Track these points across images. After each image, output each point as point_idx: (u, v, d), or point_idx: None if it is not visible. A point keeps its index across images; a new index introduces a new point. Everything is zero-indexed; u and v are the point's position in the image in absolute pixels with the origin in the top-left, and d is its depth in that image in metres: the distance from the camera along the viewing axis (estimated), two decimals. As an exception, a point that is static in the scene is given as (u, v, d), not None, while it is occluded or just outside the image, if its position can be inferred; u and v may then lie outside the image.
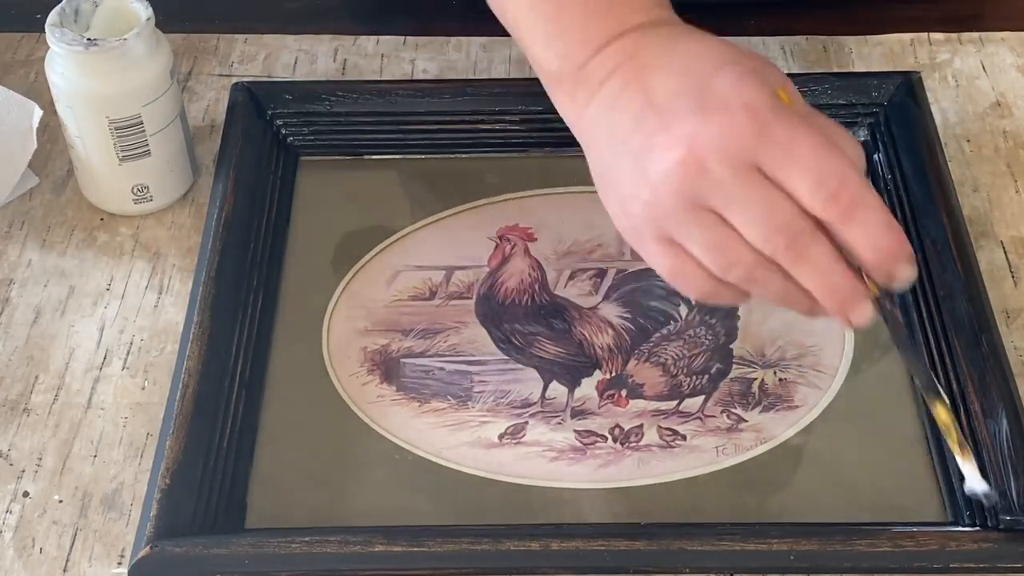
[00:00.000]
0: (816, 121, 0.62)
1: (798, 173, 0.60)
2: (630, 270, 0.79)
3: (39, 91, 0.87)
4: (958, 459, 0.65)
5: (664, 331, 0.76)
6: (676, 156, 0.61)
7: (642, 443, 0.71)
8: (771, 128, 0.60)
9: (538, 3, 0.68)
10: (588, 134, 0.67)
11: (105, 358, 0.76)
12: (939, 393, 0.65)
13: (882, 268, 0.61)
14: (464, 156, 0.85)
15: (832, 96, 0.85)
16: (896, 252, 0.61)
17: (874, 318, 0.63)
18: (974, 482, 0.65)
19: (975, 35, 0.94)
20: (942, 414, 0.65)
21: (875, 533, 0.65)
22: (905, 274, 0.62)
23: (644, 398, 0.73)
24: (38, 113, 0.82)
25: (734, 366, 0.74)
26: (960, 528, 0.67)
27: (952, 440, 0.65)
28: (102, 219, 0.83)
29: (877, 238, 0.60)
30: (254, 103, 0.85)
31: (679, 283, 0.64)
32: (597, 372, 0.74)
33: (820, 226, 0.61)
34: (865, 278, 0.62)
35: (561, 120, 0.84)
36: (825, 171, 0.60)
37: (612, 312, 0.77)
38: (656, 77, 0.63)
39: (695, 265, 0.62)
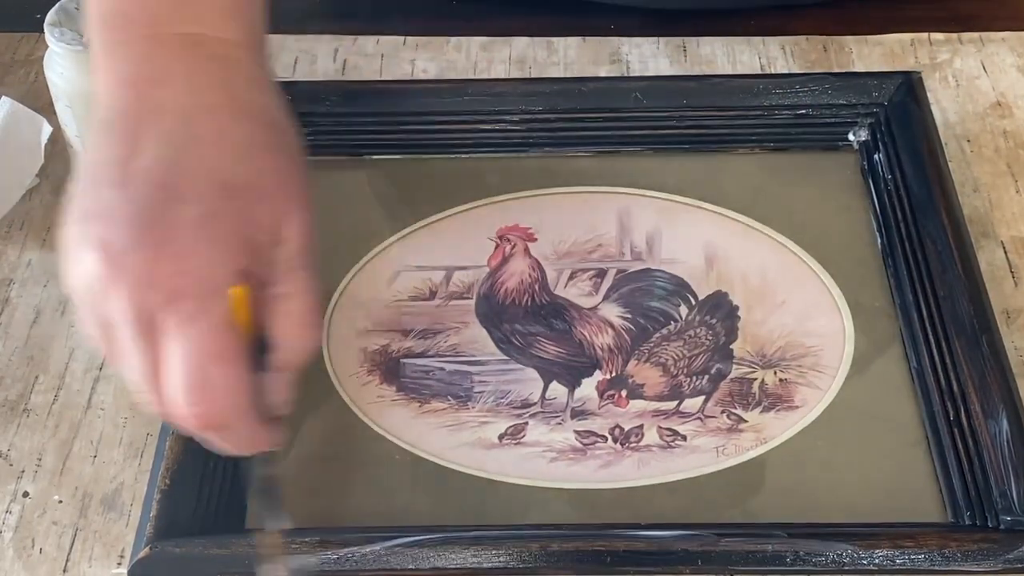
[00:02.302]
0: (286, 288, 0.56)
1: (177, 362, 0.54)
2: (630, 270, 0.79)
3: (39, 91, 0.87)
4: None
5: (664, 331, 0.76)
6: (88, 261, 0.54)
7: (642, 443, 0.71)
8: (186, 301, 0.53)
9: None
10: (94, 125, 0.59)
11: (105, 358, 0.76)
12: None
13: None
14: (464, 156, 0.85)
15: (832, 96, 0.85)
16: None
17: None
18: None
19: (975, 35, 0.94)
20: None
21: (875, 533, 0.65)
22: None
23: (644, 398, 0.73)
24: (47, 130, 0.82)
25: (734, 366, 0.74)
26: (960, 528, 0.67)
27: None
28: (102, 219, 0.83)
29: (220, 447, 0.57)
30: (254, 103, 0.85)
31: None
32: (597, 372, 0.74)
33: None
34: None
35: (561, 120, 0.84)
36: (198, 382, 0.54)
37: (612, 312, 0.77)
38: (151, 133, 0.55)
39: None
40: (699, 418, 0.72)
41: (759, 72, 0.92)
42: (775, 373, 0.74)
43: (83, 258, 0.54)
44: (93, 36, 0.60)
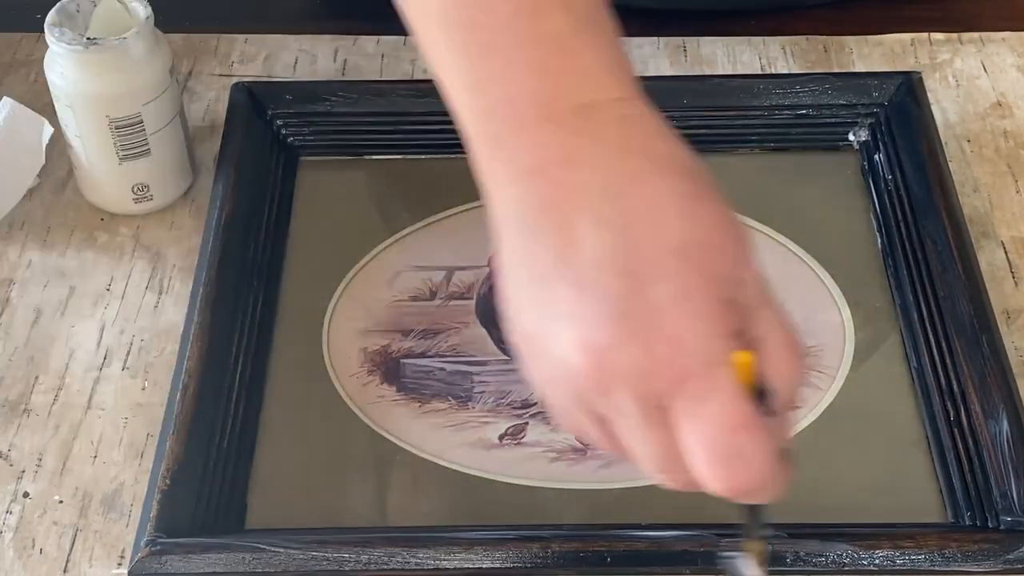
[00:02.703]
0: (764, 326, 0.53)
1: (700, 443, 0.51)
2: (630, 270, 0.79)
3: (39, 91, 0.87)
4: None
5: (664, 331, 0.76)
6: (580, 362, 0.51)
7: (642, 443, 0.71)
8: (694, 380, 0.51)
9: (456, 34, 0.55)
10: (502, 222, 0.56)
11: (105, 359, 0.76)
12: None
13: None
14: (464, 156, 0.84)
15: (832, 96, 0.85)
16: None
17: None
18: None
19: (975, 35, 0.94)
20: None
21: (875, 533, 0.65)
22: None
23: (644, 398, 0.73)
24: (48, 131, 0.82)
25: (734, 366, 0.74)
26: (960, 528, 0.67)
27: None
28: (102, 219, 0.83)
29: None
30: (254, 103, 0.85)
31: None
32: (597, 372, 0.74)
33: None
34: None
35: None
36: (726, 451, 0.51)
37: (612, 312, 0.77)
38: (584, 219, 0.51)
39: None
40: (699, 418, 0.72)
41: (759, 72, 0.92)
42: (775, 373, 0.74)
43: (562, 357, 0.51)
44: (472, 131, 0.56)
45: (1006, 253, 0.81)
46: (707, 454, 0.51)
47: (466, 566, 0.64)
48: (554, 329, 0.52)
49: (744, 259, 0.53)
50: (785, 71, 0.92)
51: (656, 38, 0.94)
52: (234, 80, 0.88)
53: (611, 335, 0.51)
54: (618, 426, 0.53)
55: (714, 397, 0.51)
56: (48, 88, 0.80)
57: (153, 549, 0.65)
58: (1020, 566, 0.64)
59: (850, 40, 0.94)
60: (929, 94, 0.86)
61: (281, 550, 0.65)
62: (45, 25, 0.77)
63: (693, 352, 0.51)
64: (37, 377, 0.75)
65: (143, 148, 0.80)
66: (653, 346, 0.50)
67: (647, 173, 0.53)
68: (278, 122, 0.85)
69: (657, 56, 0.93)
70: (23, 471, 0.71)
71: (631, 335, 0.50)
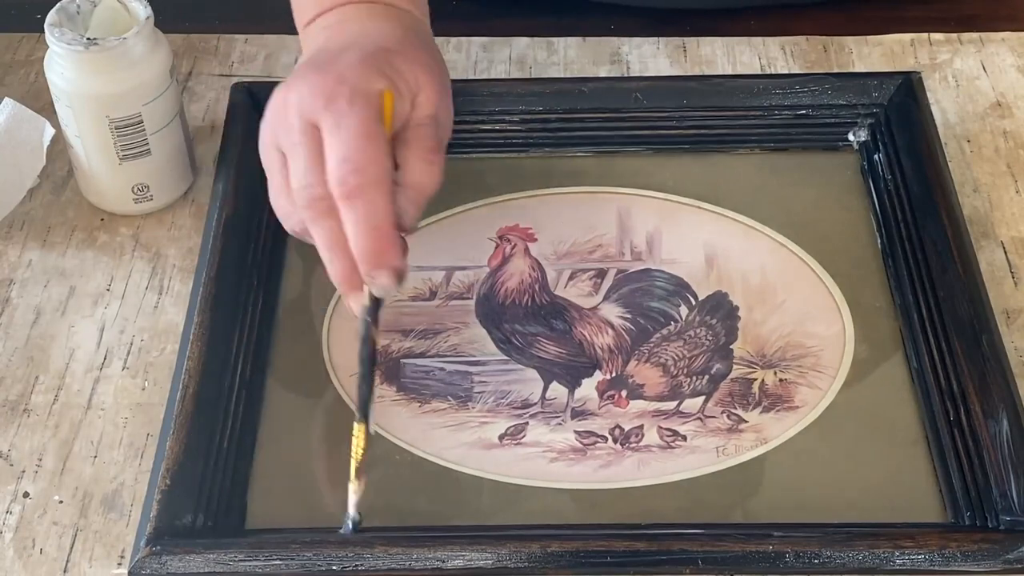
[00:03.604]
0: (417, 132, 0.69)
1: (333, 145, 0.66)
2: (630, 270, 0.79)
3: (39, 91, 0.87)
4: (351, 484, 0.65)
5: (664, 331, 0.76)
6: (276, 97, 0.69)
7: (642, 444, 0.71)
8: (339, 101, 0.66)
9: None
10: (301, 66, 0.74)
11: (105, 358, 0.76)
12: (363, 419, 0.66)
13: (360, 264, 0.66)
14: (464, 156, 0.85)
15: (832, 96, 0.85)
16: (374, 256, 0.65)
17: (357, 313, 0.67)
18: (350, 507, 0.65)
19: (975, 35, 0.94)
20: (359, 438, 0.66)
21: (875, 533, 0.65)
22: (380, 280, 0.66)
23: (644, 399, 0.73)
24: (49, 131, 0.82)
25: (734, 366, 0.74)
26: (960, 528, 0.67)
27: (354, 462, 0.65)
28: (102, 219, 0.83)
29: (361, 234, 0.65)
30: (254, 103, 0.85)
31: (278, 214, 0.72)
32: (597, 373, 0.74)
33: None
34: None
35: (561, 120, 0.85)
36: (349, 154, 0.65)
37: (612, 312, 0.77)
38: (331, 40, 0.72)
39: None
40: (699, 418, 0.72)
41: (759, 72, 0.92)
42: (775, 373, 0.74)
43: (272, 103, 0.69)
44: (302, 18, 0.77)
45: (1006, 253, 0.81)
46: (336, 155, 0.65)
47: (466, 566, 0.65)
48: (277, 89, 0.70)
49: (426, 89, 0.70)
50: (785, 71, 0.92)
51: (656, 38, 0.94)
52: (234, 80, 0.88)
53: (302, 76, 0.69)
54: (284, 147, 0.68)
55: (353, 114, 0.66)
56: (48, 88, 0.80)
57: (153, 549, 0.65)
58: (1020, 566, 0.64)
59: (850, 40, 0.94)
60: (929, 94, 0.86)
61: (281, 550, 0.65)
62: (45, 25, 0.77)
63: (349, 83, 0.67)
64: (37, 377, 0.75)
65: (143, 148, 0.80)
66: (321, 80, 0.68)
67: (389, 24, 0.73)
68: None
69: (657, 56, 0.93)
70: (23, 471, 0.71)
71: (313, 76, 0.68)
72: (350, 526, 0.65)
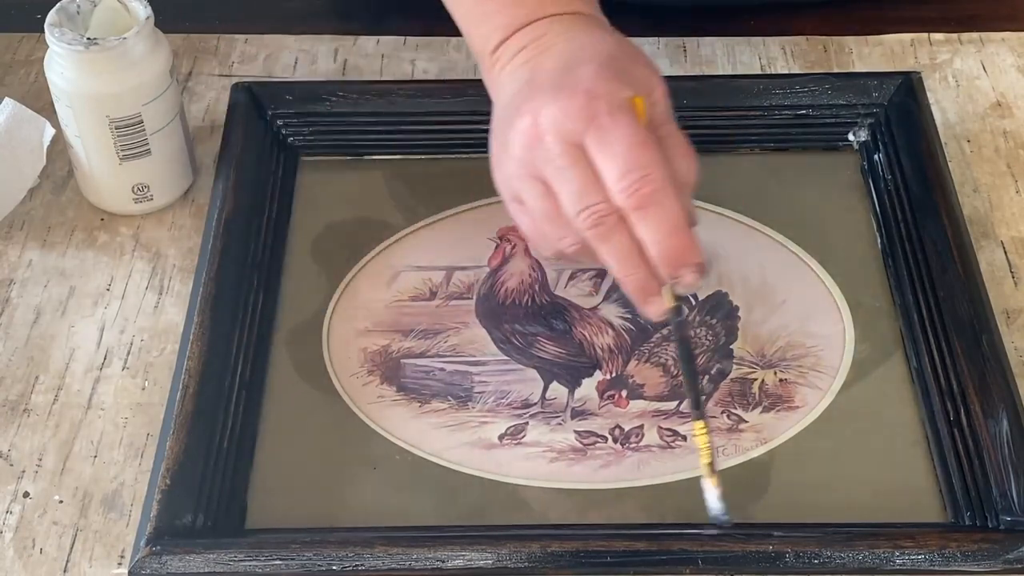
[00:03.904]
0: (665, 131, 0.68)
1: (609, 160, 0.64)
2: (630, 270, 0.79)
3: (39, 91, 0.87)
4: (705, 482, 0.65)
5: (664, 331, 0.76)
6: (523, 124, 0.67)
7: (642, 444, 0.71)
8: (601, 116, 0.65)
9: None
10: (495, 104, 0.73)
11: (105, 358, 0.76)
12: (702, 415, 0.66)
13: (664, 267, 0.65)
14: (464, 156, 0.85)
15: (832, 96, 0.85)
16: (678, 255, 0.65)
17: (662, 316, 0.67)
18: (713, 503, 0.65)
19: (975, 35, 0.94)
20: (700, 437, 0.66)
21: (875, 533, 0.65)
22: (687, 279, 0.66)
23: (644, 399, 0.73)
24: (50, 132, 0.82)
25: (734, 366, 0.74)
26: (960, 528, 0.67)
27: (703, 462, 0.65)
28: (102, 219, 0.83)
29: (662, 238, 0.65)
30: (254, 103, 0.85)
31: (531, 243, 0.71)
32: (597, 373, 0.74)
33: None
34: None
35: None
36: (631, 164, 0.64)
37: (612, 312, 0.77)
38: (545, 57, 0.70)
39: (539, 229, 0.68)
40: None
41: (759, 72, 0.92)
42: (775, 373, 0.74)
43: (516, 129, 0.67)
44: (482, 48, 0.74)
45: (1006, 253, 0.81)
46: (615, 169, 0.64)
47: (466, 566, 0.65)
48: (514, 118, 0.68)
49: (657, 85, 0.69)
50: (785, 71, 0.92)
51: (656, 38, 0.94)
52: (234, 80, 0.88)
53: (544, 99, 0.66)
54: (548, 174, 0.66)
55: (618, 126, 0.65)
56: (48, 88, 0.80)
57: (153, 549, 0.65)
58: (1020, 566, 0.64)
59: (850, 40, 0.94)
60: (929, 94, 0.86)
61: (281, 550, 0.65)
62: (45, 25, 0.77)
63: (600, 98, 0.65)
64: (37, 377, 0.75)
65: (143, 148, 0.80)
66: (571, 99, 0.66)
67: (593, 34, 0.71)
68: (278, 122, 0.85)
69: (657, 56, 0.93)
70: (23, 471, 0.71)
71: (558, 96, 0.66)
72: (725, 519, 0.65)
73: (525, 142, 0.66)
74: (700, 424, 0.66)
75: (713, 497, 0.65)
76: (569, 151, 0.65)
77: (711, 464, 0.65)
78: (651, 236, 0.65)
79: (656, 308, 0.67)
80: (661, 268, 0.65)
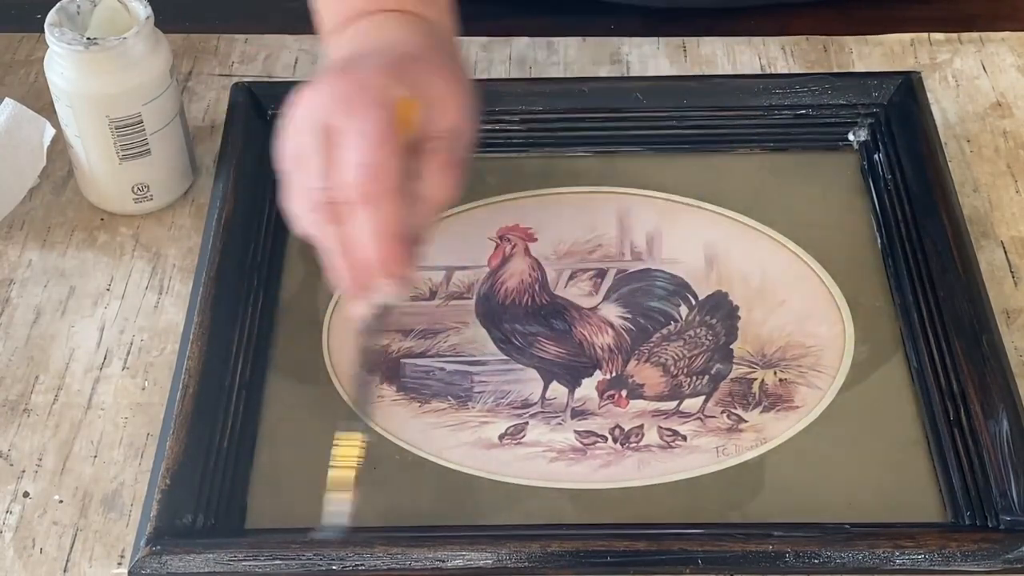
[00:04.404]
0: (439, 145, 0.67)
1: (348, 150, 0.65)
2: (630, 270, 0.79)
3: (39, 91, 0.87)
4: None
5: (664, 331, 0.76)
6: (296, 102, 0.68)
7: (642, 443, 0.71)
8: (355, 105, 0.65)
9: None
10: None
11: (105, 358, 0.76)
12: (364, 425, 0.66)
13: (369, 271, 0.65)
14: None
15: (832, 96, 0.85)
16: (381, 263, 0.64)
17: (359, 320, 0.67)
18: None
19: (975, 35, 0.94)
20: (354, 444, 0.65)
21: (875, 533, 0.65)
22: (384, 289, 0.65)
23: (644, 398, 0.73)
24: (50, 132, 0.82)
25: (734, 366, 0.74)
26: (960, 528, 0.67)
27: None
28: (102, 219, 0.83)
29: (368, 240, 0.64)
30: (254, 103, 0.85)
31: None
32: (597, 372, 0.74)
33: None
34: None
35: (561, 120, 0.85)
36: (363, 159, 0.64)
37: (612, 312, 0.77)
38: (357, 47, 0.72)
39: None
40: (699, 418, 0.72)
41: (759, 72, 0.92)
42: (775, 373, 0.74)
43: (295, 108, 0.68)
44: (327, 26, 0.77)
45: (1006, 253, 0.81)
46: (350, 159, 0.64)
47: (466, 566, 0.65)
48: (305, 87, 0.69)
49: (448, 105, 0.69)
50: (785, 71, 0.92)
51: (656, 38, 0.94)
52: (234, 80, 0.88)
53: (329, 77, 0.68)
54: (303, 150, 0.66)
55: (369, 121, 0.65)
56: (48, 88, 0.80)
57: (153, 549, 0.65)
58: (1020, 566, 0.64)
59: (850, 40, 0.94)
60: (929, 94, 0.86)
61: (281, 550, 0.65)
62: (45, 25, 0.77)
63: (365, 88, 0.66)
64: (37, 377, 0.75)
65: (143, 148, 0.80)
66: (342, 86, 0.67)
67: (415, 35, 0.73)
68: (278, 122, 0.85)
69: (657, 56, 0.93)
70: (23, 471, 0.71)
71: (332, 82, 0.68)
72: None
73: (296, 118, 0.68)
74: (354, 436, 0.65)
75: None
76: (319, 132, 0.66)
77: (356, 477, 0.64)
78: (361, 236, 0.64)
79: (356, 309, 0.67)
80: (366, 271, 0.65)
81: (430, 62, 0.70)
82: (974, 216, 0.82)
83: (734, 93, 0.85)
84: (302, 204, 0.67)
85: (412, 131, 0.66)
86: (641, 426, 0.72)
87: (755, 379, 0.74)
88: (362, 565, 0.64)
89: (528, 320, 0.76)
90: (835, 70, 0.92)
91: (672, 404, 0.73)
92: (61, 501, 0.70)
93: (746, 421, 0.72)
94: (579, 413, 0.73)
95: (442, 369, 0.75)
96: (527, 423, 0.72)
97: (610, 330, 0.76)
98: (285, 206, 0.69)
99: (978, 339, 0.72)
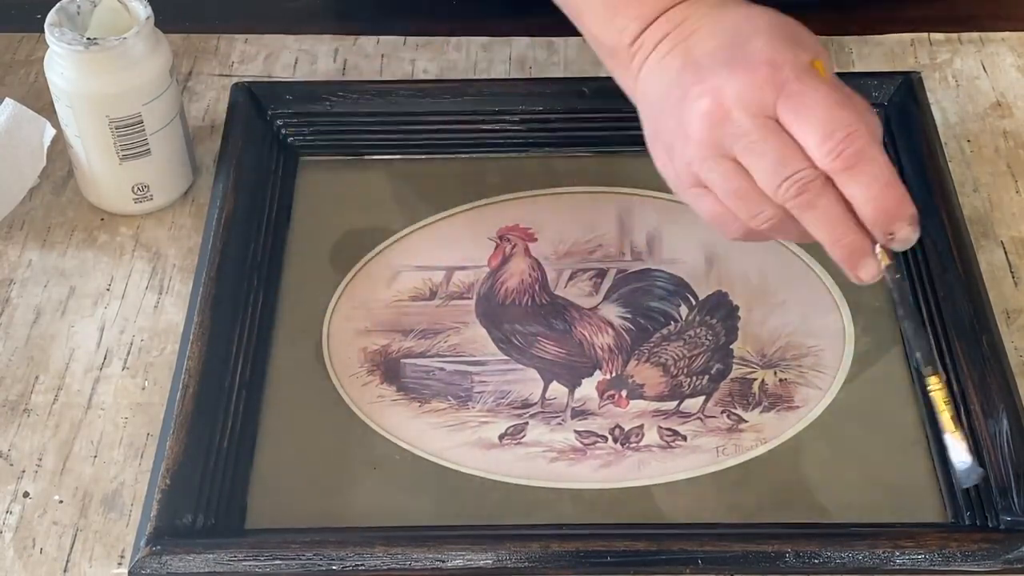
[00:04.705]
0: (839, 87, 0.66)
1: (808, 125, 0.64)
2: (630, 270, 0.79)
3: (39, 91, 0.87)
4: (947, 436, 0.66)
5: (664, 331, 0.76)
6: (703, 105, 0.66)
7: (642, 443, 0.71)
8: (790, 84, 0.64)
9: None
10: (640, 96, 0.72)
11: (105, 358, 0.76)
12: (937, 368, 0.66)
13: (879, 224, 0.64)
14: (464, 156, 0.85)
15: (832, 96, 0.84)
16: (894, 210, 0.64)
17: (878, 276, 0.66)
18: (959, 456, 0.65)
19: (975, 35, 0.94)
20: (937, 391, 0.66)
21: (875, 533, 0.65)
22: (902, 233, 0.65)
23: (644, 398, 0.73)
24: (50, 132, 0.82)
25: (734, 366, 0.74)
26: (960, 528, 0.67)
27: (945, 417, 0.66)
28: (102, 219, 0.83)
29: (876, 194, 0.64)
30: (254, 103, 0.85)
31: (715, 226, 0.69)
32: (597, 372, 0.74)
33: (832, 180, 0.64)
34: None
35: (561, 120, 0.84)
36: (833, 125, 0.63)
37: (612, 312, 0.77)
38: (697, 39, 0.68)
39: (727, 210, 0.67)
40: (699, 418, 0.72)
41: (759, 72, 0.92)
42: (775, 373, 0.74)
43: (692, 114, 0.66)
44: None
45: (1006, 253, 0.81)
46: (817, 127, 0.63)
47: (466, 566, 0.65)
48: (686, 101, 0.66)
49: (816, 39, 0.69)
50: (785, 71, 0.92)
51: (656, 38, 0.94)
52: (234, 80, 0.88)
53: (721, 77, 0.65)
54: (738, 151, 0.65)
55: (808, 85, 0.64)
56: (48, 88, 0.80)
57: (153, 549, 0.65)
58: (1020, 566, 0.64)
59: (850, 40, 0.94)
60: (929, 94, 0.86)
61: (281, 550, 0.65)
62: (45, 25, 0.77)
63: (784, 66, 0.65)
64: (37, 377, 0.75)
65: (143, 148, 0.80)
66: (753, 71, 0.65)
67: (741, 10, 0.70)
68: (278, 122, 0.85)
69: (657, 56, 0.93)
70: (23, 471, 0.71)
71: (736, 71, 0.65)
72: (979, 472, 0.65)
73: (709, 122, 0.65)
74: (935, 379, 0.66)
75: (959, 451, 0.65)
76: (762, 123, 0.64)
77: (954, 417, 0.65)
78: (864, 193, 0.64)
79: (870, 270, 0.66)
80: (875, 226, 0.65)
81: (789, 24, 0.69)
82: (974, 216, 0.82)
83: (734, 93, 0.85)
84: (752, 204, 0.66)
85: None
86: (641, 426, 0.72)
87: (755, 379, 0.74)
88: (362, 565, 0.64)
89: (528, 320, 0.76)
90: (835, 70, 0.91)
91: (672, 404, 0.73)
92: (61, 501, 0.70)
93: (746, 421, 0.72)
94: (579, 413, 0.73)
95: (442, 369, 0.75)
96: (527, 423, 0.72)
97: (610, 330, 0.76)
98: (721, 216, 0.68)
99: (978, 339, 0.72)
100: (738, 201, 0.66)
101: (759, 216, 0.66)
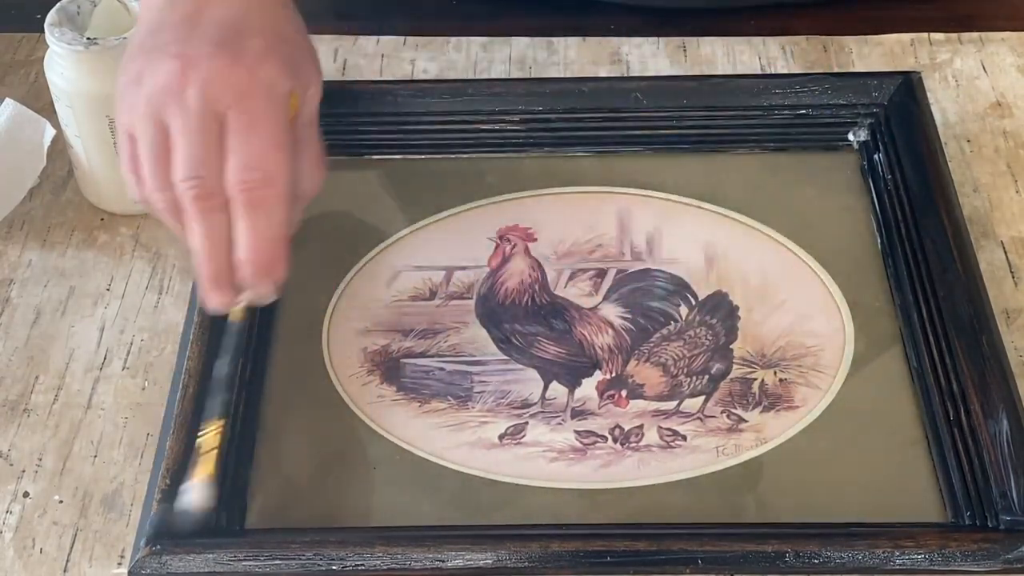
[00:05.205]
0: (306, 133, 0.67)
1: (241, 147, 0.63)
2: (630, 270, 0.79)
3: (39, 91, 0.87)
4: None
5: (664, 331, 0.76)
6: (169, 66, 0.63)
7: (642, 443, 0.71)
8: (256, 100, 0.63)
9: None
10: (140, 13, 0.70)
11: (105, 358, 0.76)
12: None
13: (248, 268, 0.64)
14: (464, 156, 0.85)
15: (832, 96, 0.84)
16: (266, 265, 0.64)
17: (223, 311, 0.68)
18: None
19: (975, 35, 0.94)
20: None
21: (875, 533, 0.65)
22: (262, 289, 0.65)
23: (644, 398, 0.73)
24: (50, 132, 0.82)
25: (734, 366, 0.74)
26: (960, 528, 0.67)
27: None
28: (102, 219, 0.83)
29: (259, 243, 0.63)
30: (254, 103, 0.85)
31: (129, 179, 0.66)
32: (597, 372, 0.74)
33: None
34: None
35: (561, 120, 0.84)
36: (262, 162, 0.63)
37: (612, 312, 0.77)
38: (215, 4, 0.66)
39: (142, 166, 0.65)
40: (699, 418, 0.72)
41: (759, 72, 0.92)
42: (775, 373, 0.74)
43: (160, 67, 0.63)
44: None
45: (1006, 253, 0.81)
46: (243, 159, 0.62)
47: (466, 566, 0.65)
48: (159, 50, 0.64)
49: (313, 82, 0.68)
50: (785, 71, 0.92)
51: (656, 38, 0.94)
52: (234, 80, 0.88)
53: (204, 51, 0.63)
54: (174, 126, 0.63)
55: (267, 119, 0.63)
56: (48, 88, 0.80)
57: (153, 549, 0.65)
58: (1020, 566, 0.64)
59: (850, 40, 0.94)
60: (929, 94, 0.86)
61: (281, 550, 0.65)
62: (45, 25, 0.77)
63: (264, 81, 0.63)
64: (37, 377, 0.75)
65: (143, 148, 0.80)
66: (233, 67, 0.63)
67: (271, 2, 0.68)
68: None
69: (657, 56, 0.93)
70: (23, 471, 0.71)
71: (219, 55, 0.63)
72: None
73: (164, 85, 0.63)
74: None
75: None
76: (209, 117, 0.63)
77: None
78: (248, 237, 0.63)
79: (220, 301, 0.66)
80: (244, 267, 0.64)
81: (298, 42, 0.68)
82: (974, 216, 0.82)
83: (734, 93, 0.85)
84: (157, 177, 0.64)
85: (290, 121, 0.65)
86: (641, 426, 0.72)
87: (755, 379, 0.74)
88: (362, 565, 0.64)
89: (528, 320, 0.76)
90: (835, 70, 0.92)
91: (672, 404, 0.73)
92: (61, 501, 0.70)
93: (746, 421, 0.72)
94: (579, 413, 0.73)
95: (442, 369, 0.75)
96: (527, 423, 0.72)
97: (610, 330, 0.76)
98: (127, 169, 0.66)
99: (978, 339, 0.72)
100: (149, 169, 0.64)
101: (156, 194, 0.64)
